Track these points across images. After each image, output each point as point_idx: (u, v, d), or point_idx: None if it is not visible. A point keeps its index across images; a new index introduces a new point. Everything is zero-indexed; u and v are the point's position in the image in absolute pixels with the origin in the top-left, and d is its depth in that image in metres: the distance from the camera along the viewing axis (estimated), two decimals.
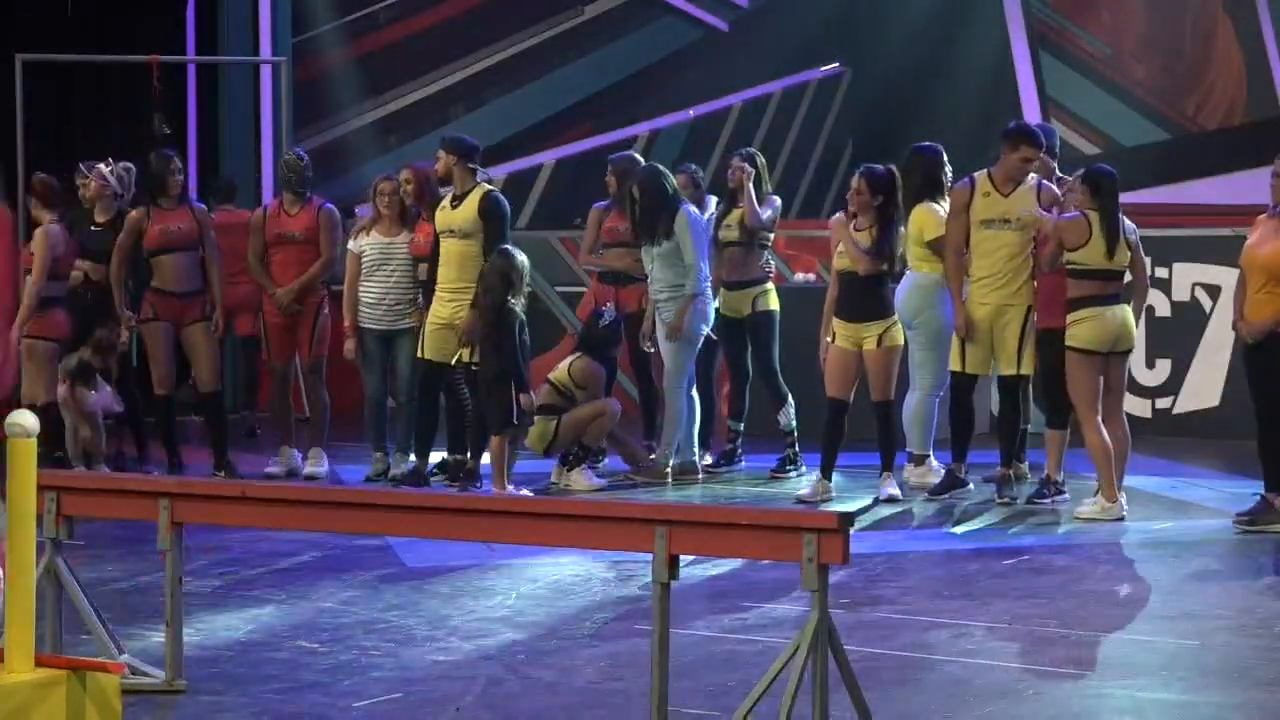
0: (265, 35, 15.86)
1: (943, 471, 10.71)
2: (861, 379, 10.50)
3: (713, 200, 11.72)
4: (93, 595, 6.65)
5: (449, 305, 10.87)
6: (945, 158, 10.98)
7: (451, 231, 10.87)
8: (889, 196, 10.40)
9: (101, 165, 11.69)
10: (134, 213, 11.41)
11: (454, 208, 10.89)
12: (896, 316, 10.47)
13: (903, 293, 10.98)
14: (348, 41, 16.61)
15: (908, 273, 10.98)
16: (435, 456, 11.28)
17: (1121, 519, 9.84)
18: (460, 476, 10.91)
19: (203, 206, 11.85)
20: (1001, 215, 10.34)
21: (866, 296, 10.39)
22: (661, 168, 11.33)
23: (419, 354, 11.04)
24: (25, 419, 5.66)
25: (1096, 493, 9.96)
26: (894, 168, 10.58)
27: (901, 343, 10.47)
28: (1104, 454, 9.82)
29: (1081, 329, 9.83)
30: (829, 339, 10.52)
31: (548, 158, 16.89)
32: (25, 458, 5.56)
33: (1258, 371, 9.61)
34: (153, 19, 15.38)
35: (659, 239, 11.04)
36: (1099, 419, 9.82)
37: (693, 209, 11.18)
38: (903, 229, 10.55)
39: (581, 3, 17.03)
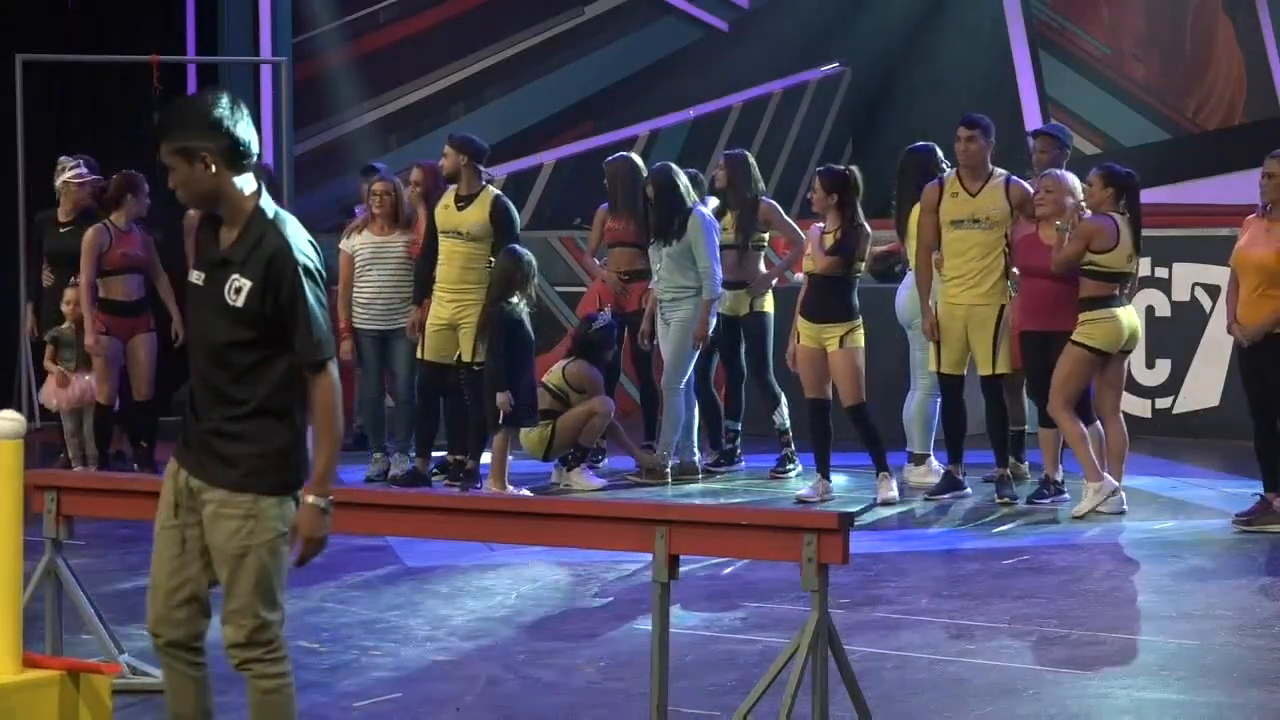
0: (265, 35, 15.85)
1: (942, 472, 10.71)
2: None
3: (712, 201, 11.72)
4: (93, 595, 6.66)
5: (449, 306, 10.86)
6: (940, 155, 10.98)
7: (459, 233, 10.85)
8: (843, 195, 10.29)
9: (73, 170, 11.68)
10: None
11: (460, 208, 10.87)
12: (859, 320, 10.34)
13: (903, 292, 10.99)
14: (348, 41, 16.60)
15: (909, 273, 10.99)
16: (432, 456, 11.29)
17: (1122, 512, 9.86)
18: (460, 476, 10.90)
19: None
20: (970, 215, 10.34)
21: (828, 297, 10.33)
22: (675, 167, 11.29)
23: (419, 355, 11.03)
24: (11, 420, 5.63)
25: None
26: (854, 168, 10.51)
27: (862, 345, 10.34)
28: (1081, 439, 9.82)
29: (1098, 329, 9.81)
30: (795, 340, 10.50)
31: (548, 158, 16.89)
32: (12, 459, 5.54)
33: (1254, 373, 9.61)
34: (153, 19, 15.38)
35: (671, 239, 11.03)
36: (1074, 410, 9.83)
37: (705, 211, 11.17)
38: (869, 230, 10.46)
39: (581, 3, 17.03)
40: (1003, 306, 10.28)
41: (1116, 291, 9.85)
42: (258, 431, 4.81)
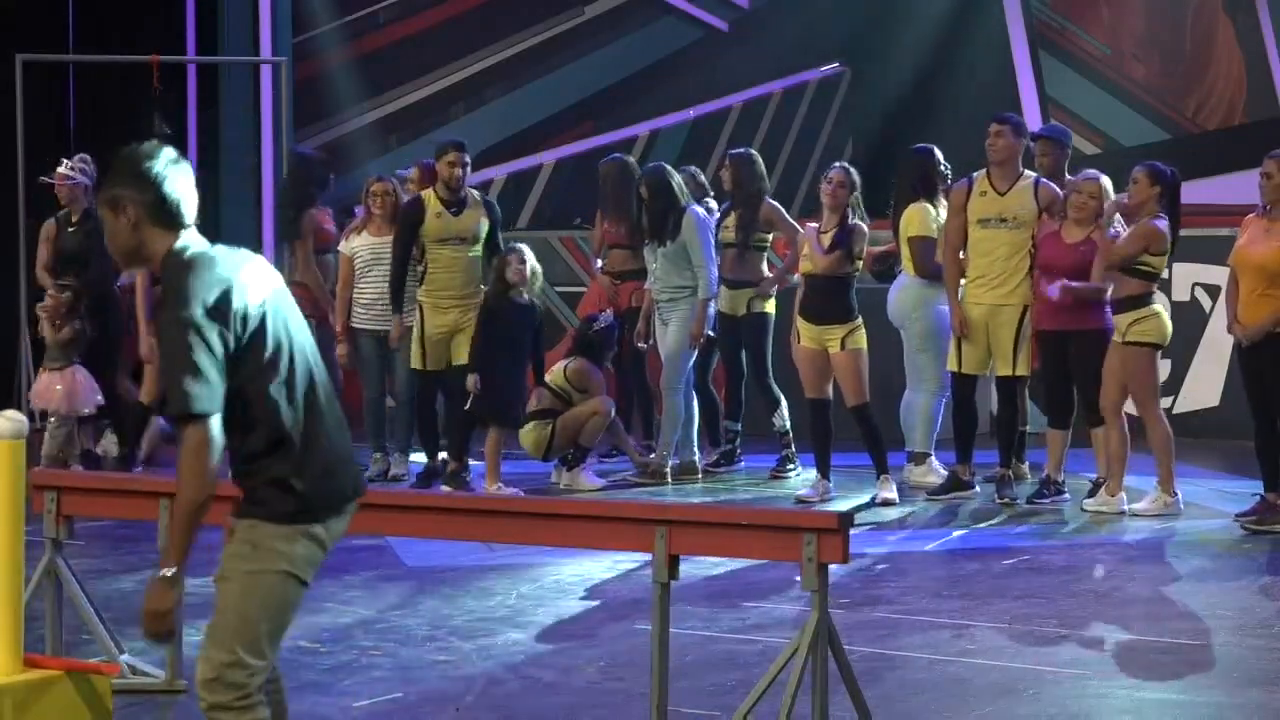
0: (265, 35, 15.85)
1: (944, 471, 10.70)
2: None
3: (710, 202, 11.72)
4: (93, 595, 6.66)
5: (452, 313, 10.85)
6: (940, 158, 10.98)
7: (461, 239, 10.85)
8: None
9: (60, 169, 11.75)
10: None
11: (455, 214, 10.85)
12: (859, 320, 10.33)
13: (894, 294, 10.98)
14: (348, 41, 16.60)
15: (900, 275, 10.99)
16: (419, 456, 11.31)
17: (1122, 513, 9.91)
18: (450, 478, 10.84)
19: None
20: (998, 214, 10.34)
21: (827, 298, 10.31)
22: (669, 168, 11.30)
23: (417, 365, 10.95)
24: (13, 420, 5.63)
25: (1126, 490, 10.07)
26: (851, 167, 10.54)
27: (865, 345, 10.36)
28: (1167, 445, 9.84)
29: (1150, 326, 9.81)
30: (795, 339, 10.49)
31: (548, 158, 16.88)
32: (13, 459, 5.54)
33: (1253, 373, 9.61)
34: (153, 19, 15.39)
35: (666, 240, 11.03)
36: (1160, 410, 9.85)
37: (700, 210, 11.17)
38: (865, 228, 10.46)
39: (581, 3, 17.03)
40: (1026, 307, 10.28)
41: (1154, 289, 9.92)
42: (261, 464, 4.50)
